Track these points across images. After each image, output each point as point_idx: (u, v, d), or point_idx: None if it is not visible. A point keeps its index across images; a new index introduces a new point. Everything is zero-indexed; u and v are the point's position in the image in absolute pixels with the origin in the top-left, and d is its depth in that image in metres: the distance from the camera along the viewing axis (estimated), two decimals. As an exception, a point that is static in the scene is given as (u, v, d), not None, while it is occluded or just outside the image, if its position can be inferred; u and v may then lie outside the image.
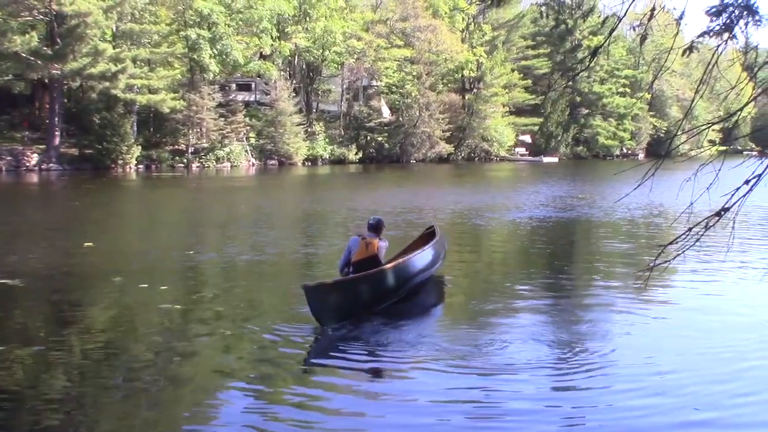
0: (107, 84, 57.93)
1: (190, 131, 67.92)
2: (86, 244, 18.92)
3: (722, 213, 6.27)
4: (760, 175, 6.06)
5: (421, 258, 13.63)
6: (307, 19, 79.35)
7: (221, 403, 8.01)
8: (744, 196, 6.12)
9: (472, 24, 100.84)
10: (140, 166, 63.21)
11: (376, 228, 12.62)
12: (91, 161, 60.03)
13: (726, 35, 6.62)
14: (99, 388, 8.38)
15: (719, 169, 6.30)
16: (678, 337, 10.29)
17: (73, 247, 18.87)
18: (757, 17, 6.52)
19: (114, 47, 60.35)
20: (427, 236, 15.86)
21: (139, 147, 63.24)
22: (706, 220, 6.39)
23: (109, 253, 18.43)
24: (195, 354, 9.74)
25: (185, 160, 67.12)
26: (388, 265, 12.18)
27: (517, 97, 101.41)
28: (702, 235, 6.53)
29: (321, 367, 9.13)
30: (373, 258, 12.19)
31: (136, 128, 65.35)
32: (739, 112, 6.95)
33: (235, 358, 9.48)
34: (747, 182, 6.10)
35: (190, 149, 68.04)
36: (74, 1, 55.09)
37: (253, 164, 71.94)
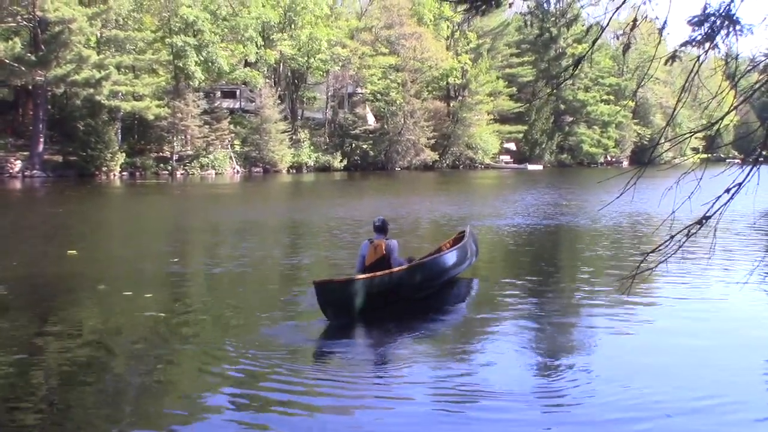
0: (91, 90, 57.84)
1: (175, 138, 67.93)
2: (70, 251, 18.83)
3: (704, 221, 6.32)
4: (740, 184, 6.11)
5: (438, 261, 14.03)
6: (292, 26, 79.49)
7: (206, 410, 7.98)
8: (725, 204, 6.17)
9: (457, 32, 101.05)
10: (124, 173, 63.15)
11: (381, 229, 13.01)
12: (75, 168, 59.95)
13: (708, 45, 6.68)
14: (83, 396, 8.36)
15: (701, 178, 6.34)
16: (663, 349, 10.21)
17: (57, 255, 18.78)
18: (738, 27, 6.58)
19: (98, 54, 60.22)
20: (455, 240, 16.23)
21: (124, 154, 63.23)
22: (687, 228, 6.44)
23: (92, 261, 18.36)
24: (180, 361, 9.72)
25: (170, 168, 67.08)
26: (396, 268, 12.46)
27: (502, 104, 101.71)
28: (684, 242, 6.58)
29: (302, 380, 8.87)
30: (382, 259, 12.60)
31: (120, 135, 65.34)
32: (720, 121, 7.00)
33: (220, 365, 9.43)
34: (728, 191, 6.15)
35: (175, 156, 68.02)
36: (58, 8, 55.01)
37: (238, 171, 71.91)
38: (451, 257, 14.46)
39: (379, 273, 12.10)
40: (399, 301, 12.35)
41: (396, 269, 12.40)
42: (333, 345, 10.52)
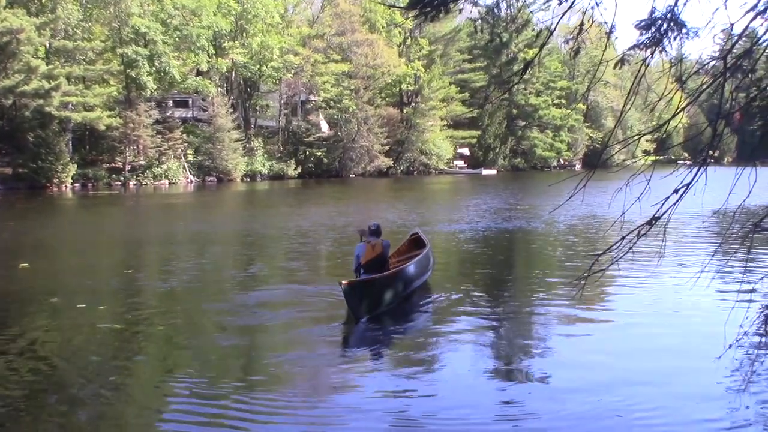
0: (41, 101, 56.94)
1: (127, 149, 67.14)
2: (21, 264, 18.61)
3: (653, 221, 6.41)
4: (688, 184, 6.21)
5: (422, 260, 15.09)
6: (244, 34, 79.03)
7: (160, 422, 7.94)
8: (674, 204, 6.27)
9: (409, 38, 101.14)
10: (76, 184, 62.21)
11: (376, 232, 13.89)
12: (25, 180, 58.95)
13: (655, 48, 6.78)
14: (36, 410, 8.26)
15: (650, 179, 6.43)
16: (615, 350, 10.35)
17: (8, 268, 18.54)
18: (684, 30, 6.69)
19: (47, 64, 59.37)
20: (415, 241, 17.56)
21: (75, 165, 62.27)
22: (638, 229, 6.53)
23: (45, 274, 18.15)
24: (133, 373, 9.65)
25: (122, 178, 66.29)
26: (409, 263, 14.17)
27: (455, 110, 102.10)
28: (634, 243, 6.66)
29: (253, 396, 8.73)
30: (379, 256, 13.53)
31: (71, 146, 64.42)
32: (668, 123, 7.10)
33: (174, 377, 9.39)
34: (676, 191, 6.25)
35: (127, 167, 67.22)
36: (5, 18, 54.21)
37: (192, 181, 71.32)
38: (423, 261, 15.15)
39: (396, 269, 13.44)
40: (399, 298, 13.32)
41: (403, 266, 13.87)
42: (285, 359, 10.32)
